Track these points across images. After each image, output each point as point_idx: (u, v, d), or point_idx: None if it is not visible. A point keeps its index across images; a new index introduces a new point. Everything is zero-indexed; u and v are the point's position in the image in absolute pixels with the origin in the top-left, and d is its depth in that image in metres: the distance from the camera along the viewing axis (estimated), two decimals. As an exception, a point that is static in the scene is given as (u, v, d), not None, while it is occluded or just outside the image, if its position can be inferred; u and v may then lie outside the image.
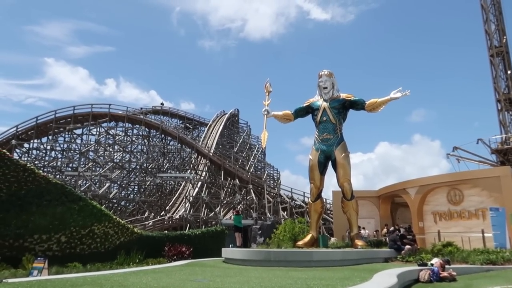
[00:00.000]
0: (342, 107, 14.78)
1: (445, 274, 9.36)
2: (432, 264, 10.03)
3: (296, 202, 47.77)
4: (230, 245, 18.49)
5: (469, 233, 17.94)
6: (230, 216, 35.23)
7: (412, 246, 13.49)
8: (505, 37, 38.61)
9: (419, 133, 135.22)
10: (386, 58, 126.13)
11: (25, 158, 44.44)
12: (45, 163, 45.80)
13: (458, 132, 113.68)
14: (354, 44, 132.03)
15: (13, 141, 43.86)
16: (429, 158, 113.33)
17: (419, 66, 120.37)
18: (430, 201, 22.20)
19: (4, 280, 5.41)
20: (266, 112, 15.29)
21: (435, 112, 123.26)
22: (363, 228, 21.53)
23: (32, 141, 47.20)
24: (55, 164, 46.80)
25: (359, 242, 13.68)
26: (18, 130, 45.73)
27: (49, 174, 39.45)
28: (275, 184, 54.50)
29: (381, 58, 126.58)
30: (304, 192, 47.29)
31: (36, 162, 44.27)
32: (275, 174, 59.76)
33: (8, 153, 14.50)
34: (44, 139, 48.85)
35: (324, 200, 37.16)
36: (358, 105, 14.63)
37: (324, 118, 14.59)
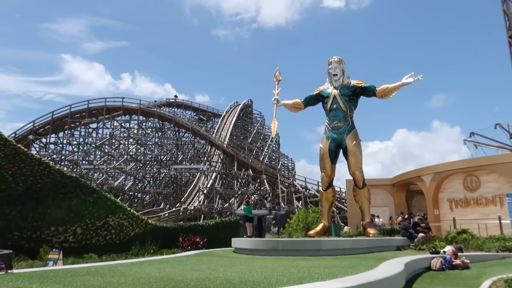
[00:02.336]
0: (353, 94, 14.50)
1: (457, 261, 9.20)
2: (444, 252, 9.86)
3: (310, 192, 47.63)
4: (245, 235, 18.57)
5: (486, 220, 17.59)
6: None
7: (425, 234, 13.29)
8: (525, 17, 37.15)
9: (437, 119, 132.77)
10: (402, 44, 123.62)
11: (43, 153, 45.46)
12: (62, 157, 46.74)
13: (479, 117, 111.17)
14: (369, 30, 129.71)
15: (31, 136, 44.86)
16: (449, 145, 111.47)
17: (437, 51, 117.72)
18: (445, 188, 21.81)
19: (9, 271, 5.57)
20: (275, 101, 15.15)
21: (455, 96, 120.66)
22: (377, 216, 21.35)
23: (49, 135, 48.19)
24: (72, 158, 47.73)
25: (371, 231, 13.52)
26: (35, 125, 46.76)
27: (66, 168, 40.40)
28: (289, 174, 54.43)
29: (398, 45, 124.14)
30: (318, 182, 46.96)
31: (54, 156, 45.25)
32: (289, 164, 59.73)
33: (23, 148, 14.78)
34: (60, 134, 49.90)
35: (338, 189, 36.92)
36: (369, 91, 14.33)
37: (335, 106, 14.34)
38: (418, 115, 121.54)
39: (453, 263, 9.10)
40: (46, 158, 17.11)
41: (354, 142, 14.03)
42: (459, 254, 9.94)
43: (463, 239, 12.74)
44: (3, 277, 4.96)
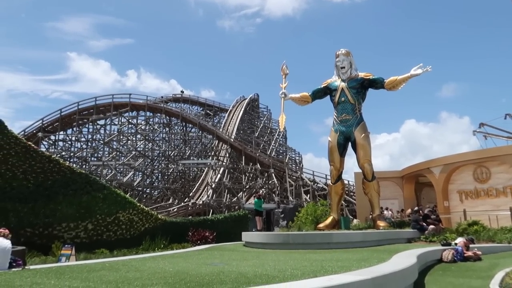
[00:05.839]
0: (361, 87, 14.40)
1: (469, 253, 9.15)
2: (456, 244, 9.81)
3: (318, 185, 47.60)
4: (253, 229, 18.64)
5: (496, 211, 17.46)
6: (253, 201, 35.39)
7: (436, 226, 13.23)
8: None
9: (446, 110, 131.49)
10: (413, 36, 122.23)
11: (52, 150, 45.87)
12: (71, 154, 47.12)
13: (487, 108, 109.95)
14: (377, 23, 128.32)
15: (40, 134, 45.23)
16: (458, 136, 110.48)
17: (452, 44, 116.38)
18: (455, 179, 21.64)
19: (26, 267, 5.65)
20: (283, 95, 15.08)
21: (467, 86, 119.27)
22: (386, 208, 21.27)
23: (57, 133, 48.56)
24: (80, 155, 48.09)
25: (381, 223, 13.49)
26: (44, 122, 47.10)
27: (76, 165, 40.76)
28: (297, 167, 54.41)
29: (408, 37, 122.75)
30: (326, 175, 46.91)
31: (63, 153, 45.60)
32: (297, 158, 59.70)
33: (33, 145, 14.95)
34: (69, 131, 50.25)
35: (347, 182, 36.84)
36: (377, 83, 14.22)
37: (343, 99, 14.26)
38: (426, 106, 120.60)
39: (465, 254, 9.06)
40: (55, 155, 17.31)
41: (363, 135, 13.95)
42: (471, 245, 9.89)
43: (474, 231, 12.66)
44: (21, 273, 5.05)
